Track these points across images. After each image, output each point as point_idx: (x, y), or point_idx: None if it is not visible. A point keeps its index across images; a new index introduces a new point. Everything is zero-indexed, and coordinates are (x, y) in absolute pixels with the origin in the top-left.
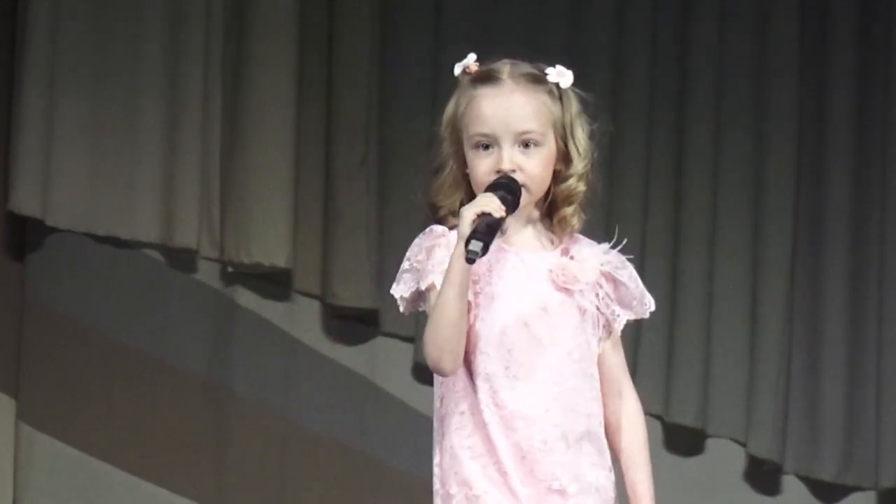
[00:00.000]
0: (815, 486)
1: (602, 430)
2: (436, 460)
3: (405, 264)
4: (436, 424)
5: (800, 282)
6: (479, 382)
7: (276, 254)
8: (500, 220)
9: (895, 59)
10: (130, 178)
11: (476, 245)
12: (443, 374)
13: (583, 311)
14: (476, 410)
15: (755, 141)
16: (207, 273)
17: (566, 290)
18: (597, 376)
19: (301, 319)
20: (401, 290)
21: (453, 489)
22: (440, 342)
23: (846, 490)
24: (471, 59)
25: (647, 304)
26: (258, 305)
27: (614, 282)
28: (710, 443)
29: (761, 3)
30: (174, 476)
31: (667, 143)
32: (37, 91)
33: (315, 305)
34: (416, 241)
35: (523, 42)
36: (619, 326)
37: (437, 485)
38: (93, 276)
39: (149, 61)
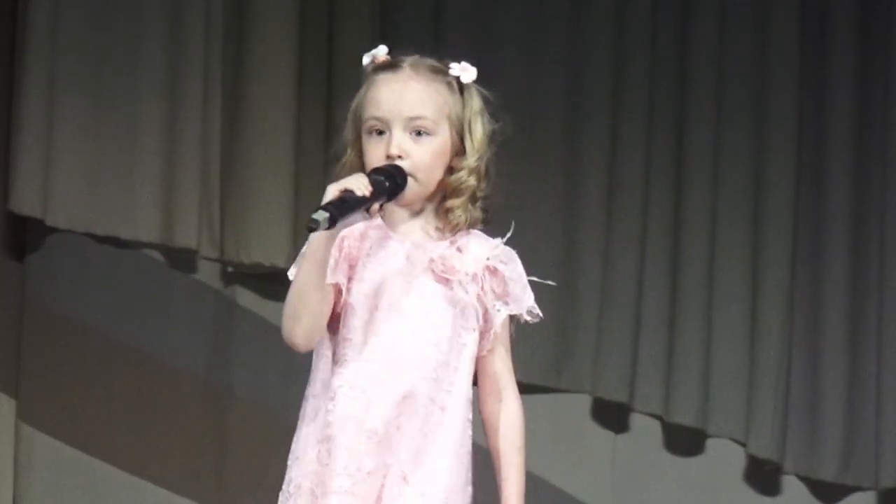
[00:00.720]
0: (815, 486)
1: (458, 422)
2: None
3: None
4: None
5: (800, 282)
6: (336, 368)
7: (276, 254)
8: (362, 199)
9: (895, 59)
10: (130, 178)
11: (320, 214)
12: (296, 349)
13: (459, 304)
14: (329, 394)
15: (755, 141)
16: (207, 273)
17: (445, 281)
18: (462, 369)
19: None
20: (292, 271)
21: (292, 472)
22: (290, 313)
23: (846, 490)
24: (381, 51)
25: (526, 301)
26: (258, 305)
27: (497, 275)
28: (710, 443)
29: (761, 3)
30: (174, 476)
31: (667, 143)
32: (37, 91)
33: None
34: None
35: (523, 42)
36: (499, 321)
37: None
38: (93, 276)
39: (149, 61)
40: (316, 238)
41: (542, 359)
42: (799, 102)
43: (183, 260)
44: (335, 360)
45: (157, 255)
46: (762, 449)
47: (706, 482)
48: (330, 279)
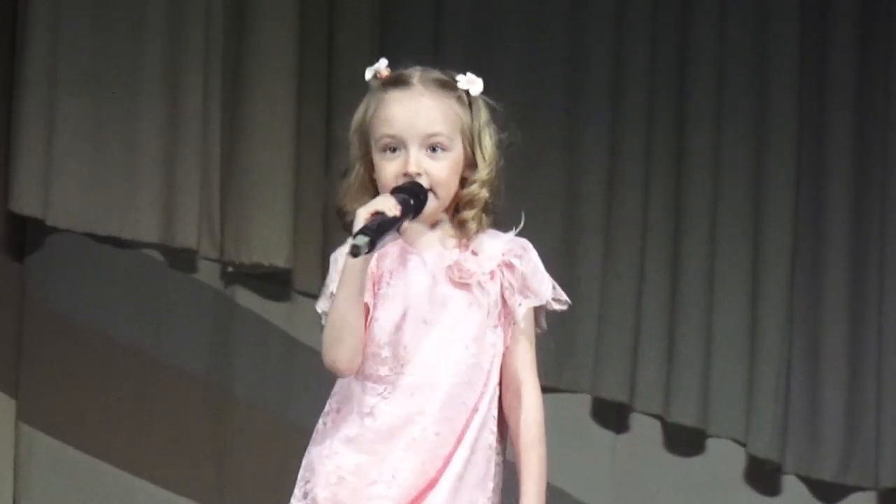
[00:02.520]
0: (815, 486)
1: (492, 423)
2: (307, 457)
3: (326, 279)
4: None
5: (800, 282)
6: (368, 383)
7: (276, 254)
8: (394, 220)
9: (895, 59)
10: (130, 178)
11: (361, 240)
12: (339, 375)
13: (482, 306)
14: (363, 410)
15: (755, 141)
16: (207, 273)
17: (464, 286)
18: (492, 369)
19: (301, 319)
20: (321, 305)
21: (320, 494)
22: (334, 342)
23: (846, 490)
24: (382, 65)
25: (546, 290)
26: (258, 305)
27: (514, 270)
28: (710, 443)
29: (761, 3)
30: (174, 476)
31: (667, 143)
32: (37, 91)
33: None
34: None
35: (523, 42)
36: (520, 314)
37: (299, 477)
38: (93, 276)
39: (149, 61)
40: (354, 263)
41: (542, 359)
42: (799, 102)
43: (183, 260)
44: (364, 377)
45: (157, 255)
46: (762, 449)
47: (706, 482)
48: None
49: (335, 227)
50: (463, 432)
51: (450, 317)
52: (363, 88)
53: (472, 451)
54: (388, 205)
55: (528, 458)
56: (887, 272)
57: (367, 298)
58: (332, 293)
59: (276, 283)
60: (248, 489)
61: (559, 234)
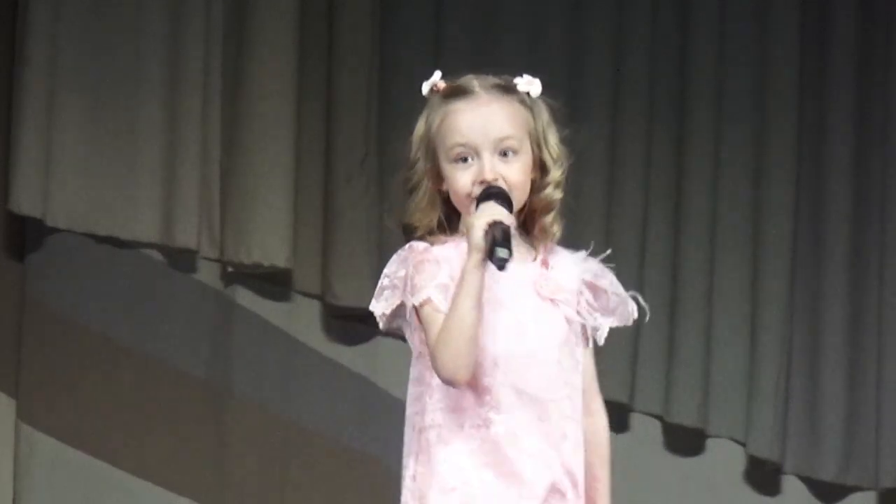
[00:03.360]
0: (815, 486)
1: (581, 434)
2: (409, 472)
3: (384, 280)
4: (410, 436)
5: (800, 282)
6: (484, 396)
7: (276, 254)
8: (509, 228)
9: (895, 59)
10: (130, 179)
11: (504, 252)
12: (457, 386)
13: (568, 322)
14: (475, 423)
15: (755, 139)
16: (207, 273)
17: (551, 301)
18: (578, 385)
19: (301, 319)
20: (381, 306)
21: (437, 499)
22: (457, 355)
23: (846, 490)
24: (437, 77)
25: (630, 311)
26: (258, 305)
27: (595, 290)
28: (710, 443)
29: (761, 3)
30: (174, 476)
31: (666, 142)
32: (37, 91)
33: (315, 305)
34: (395, 257)
35: (523, 42)
36: (602, 335)
37: (406, 497)
38: (93, 276)
39: (149, 61)
40: (476, 274)
41: None
42: (799, 101)
43: (183, 260)
44: (477, 387)
45: (157, 255)
46: (762, 449)
47: (706, 482)
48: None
49: (335, 227)
50: (573, 448)
51: (541, 331)
52: (363, 88)
53: (575, 463)
54: (503, 214)
55: (601, 475)
56: (887, 272)
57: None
58: (427, 300)
59: (276, 283)
60: (248, 489)
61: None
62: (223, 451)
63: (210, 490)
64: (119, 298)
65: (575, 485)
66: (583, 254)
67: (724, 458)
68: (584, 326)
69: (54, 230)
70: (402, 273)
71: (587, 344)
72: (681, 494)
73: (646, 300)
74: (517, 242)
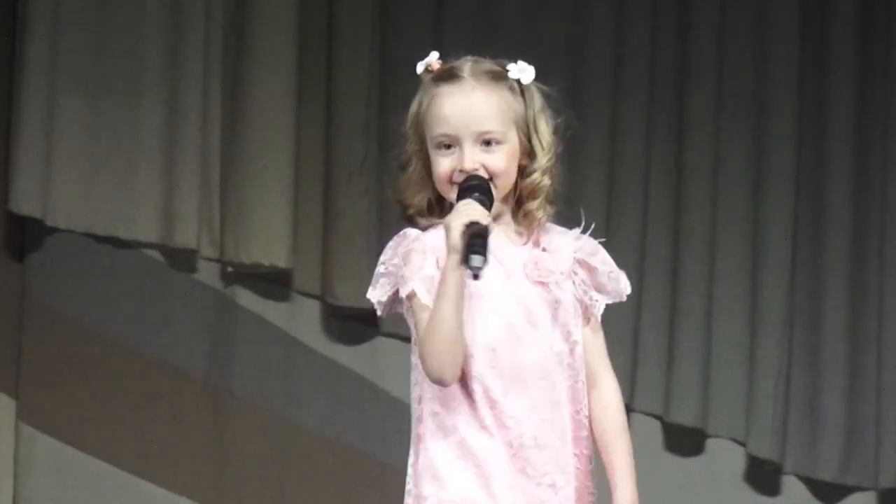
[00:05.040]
0: (815, 486)
1: (585, 419)
2: (411, 460)
3: (380, 268)
4: (413, 423)
5: (800, 282)
6: (472, 385)
7: (276, 254)
8: (487, 227)
9: (895, 59)
10: (130, 178)
11: (478, 260)
12: (445, 386)
13: (560, 303)
14: (464, 412)
15: (755, 141)
16: (207, 273)
17: (542, 284)
18: (578, 366)
19: (301, 319)
20: (377, 294)
21: (427, 490)
22: (440, 356)
23: (846, 490)
24: (433, 58)
25: (623, 287)
26: (258, 305)
27: (588, 268)
28: (710, 443)
29: (761, 3)
30: (174, 476)
31: (666, 144)
32: (37, 91)
33: (315, 305)
34: (390, 244)
35: (523, 41)
36: (598, 311)
37: (409, 484)
38: (93, 276)
39: (149, 61)
40: (455, 276)
41: None
42: (799, 102)
43: (183, 260)
44: (466, 378)
45: (157, 255)
46: (762, 449)
47: (706, 482)
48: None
49: (335, 227)
50: (567, 432)
51: (530, 315)
52: (363, 88)
53: (567, 449)
54: (479, 213)
55: (617, 447)
56: (887, 273)
57: None
58: (412, 293)
59: (276, 283)
60: (248, 489)
61: None
62: (223, 451)
63: (210, 490)
64: (119, 298)
65: (564, 472)
66: (576, 231)
67: (724, 458)
68: (583, 304)
69: (54, 230)
70: (396, 260)
71: (588, 322)
72: (681, 494)
73: (646, 300)
74: (506, 228)
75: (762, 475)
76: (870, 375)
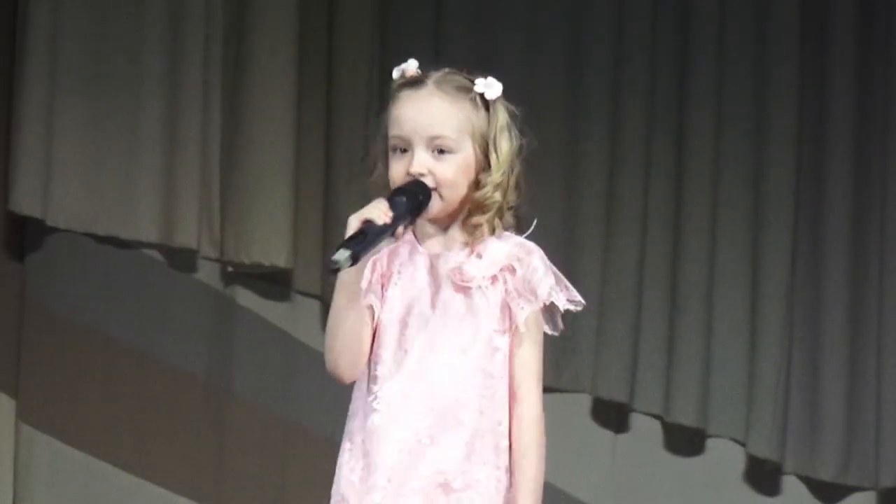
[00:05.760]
0: (815, 486)
1: (503, 428)
2: None
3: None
4: None
5: (800, 282)
6: (371, 385)
7: (276, 254)
8: (384, 228)
9: (895, 59)
10: (130, 178)
11: (341, 254)
12: (341, 381)
13: (481, 310)
14: (366, 410)
15: (755, 140)
16: (207, 273)
17: (464, 290)
18: (499, 374)
19: (301, 319)
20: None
21: (333, 493)
22: (334, 350)
23: (846, 490)
24: (411, 65)
25: (542, 294)
26: (258, 305)
27: (514, 275)
28: (710, 443)
29: (761, 3)
30: (174, 476)
31: (666, 142)
32: (37, 91)
33: (315, 305)
34: None
35: (523, 42)
36: (521, 318)
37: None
38: (93, 276)
39: (149, 61)
40: (352, 273)
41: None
42: (799, 101)
43: (183, 260)
44: (370, 379)
45: (157, 255)
46: (762, 449)
47: (706, 482)
48: (364, 302)
49: (335, 227)
50: (475, 438)
51: (449, 320)
52: (363, 88)
53: (470, 455)
54: (379, 212)
55: (518, 467)
56: (887, 272)
57: (373, 301)
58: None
59: (276, 283)
60: (248, 489)
61: (559, 233)
62: (223, 451)
63: (210, 490)
64: (119, 298)
65: (464, 474)
66: (518, 238)
67: (724, 458)
68: (511, 312)
69: (54, 230)
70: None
71: (513, 330)
72: (681, 494)
73: (646, 300)
74: (449, 237)
75: (762, 475)
76: (870, 375)
